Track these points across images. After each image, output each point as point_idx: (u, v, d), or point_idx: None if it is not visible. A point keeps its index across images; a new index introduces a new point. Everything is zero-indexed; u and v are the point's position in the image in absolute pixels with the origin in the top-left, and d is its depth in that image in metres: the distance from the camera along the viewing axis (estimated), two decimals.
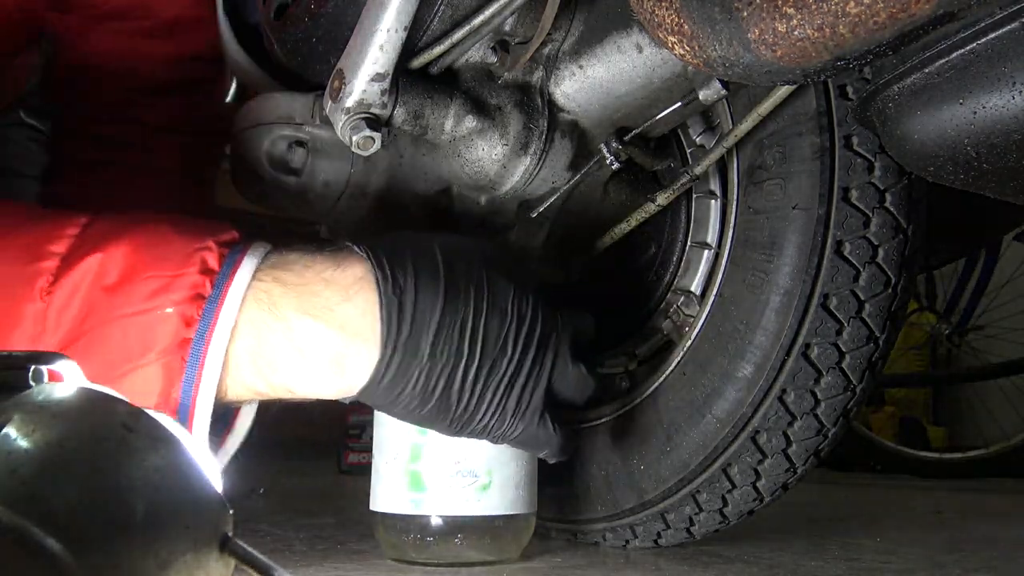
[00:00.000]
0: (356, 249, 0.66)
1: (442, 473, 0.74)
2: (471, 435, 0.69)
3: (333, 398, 0.66)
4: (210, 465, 0.46)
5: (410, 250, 0.66)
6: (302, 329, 0.62)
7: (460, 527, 0.74)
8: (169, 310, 0.59)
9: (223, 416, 0.66)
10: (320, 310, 0.63)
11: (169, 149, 1.05)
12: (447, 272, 0.66)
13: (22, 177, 1.15)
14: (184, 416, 0.60)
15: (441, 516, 0.74)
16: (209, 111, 1.05)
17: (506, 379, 0.66)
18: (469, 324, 0.65)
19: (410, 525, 0.74)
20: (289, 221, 0.94)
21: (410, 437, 0.75)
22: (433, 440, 0.74)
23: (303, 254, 0.65)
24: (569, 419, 0.91)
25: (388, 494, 0.75)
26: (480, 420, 0.67)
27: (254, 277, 0.62)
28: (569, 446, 0.73)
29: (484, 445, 0.74)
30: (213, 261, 0.61)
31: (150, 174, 1.03)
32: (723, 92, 0.71)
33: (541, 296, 0.69)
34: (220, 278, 0.61)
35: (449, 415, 0.66)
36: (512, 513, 0.75)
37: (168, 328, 0.59)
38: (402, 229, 0.73)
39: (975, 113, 0.47)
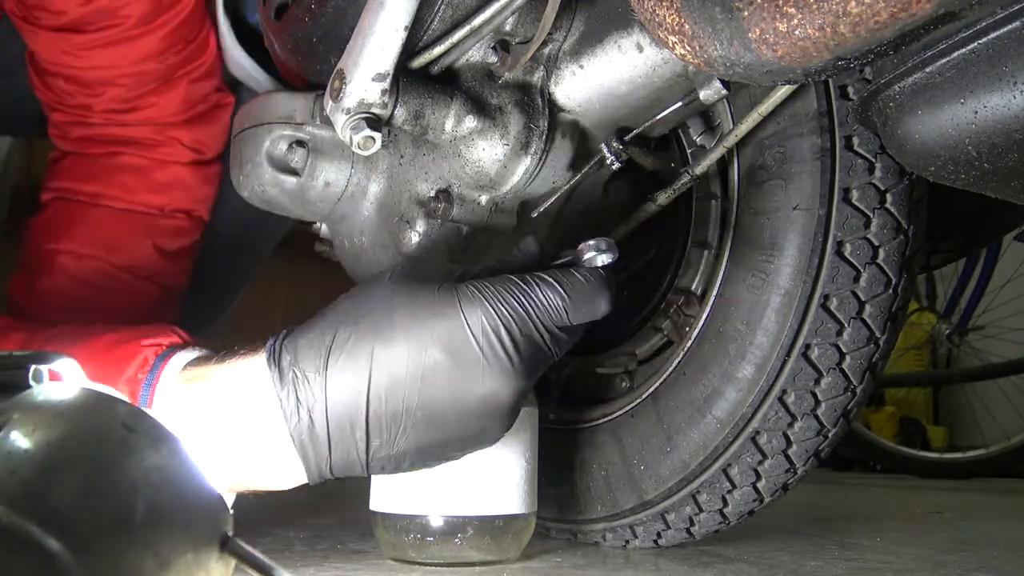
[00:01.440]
0: (264, 356, 0.62)
1: (442, 473, 0.74)
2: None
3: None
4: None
5: (327, 340, 0.61)
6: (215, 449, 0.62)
7: (460, 527, 0.74)
8: None
9: None
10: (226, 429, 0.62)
11: (176, 140, 0.98)
12: (373, 364, 0.60)
13: None
14: None
15: (441, 516, 0.74)
16: (210, 86, 0.98)
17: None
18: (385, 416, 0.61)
19: (410, 525, 0.74)
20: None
21: None
22: None
23: (219, 363, 0.64)
24: (570, 419, 0.91)
25: (388, 494, 0.75)
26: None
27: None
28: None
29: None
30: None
31: (159, 167, 0.98)
32: (724, 92, 0.71)
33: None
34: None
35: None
36: (512, 513, 0.75)
37: None
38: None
39: (976, 113, 0.47)
